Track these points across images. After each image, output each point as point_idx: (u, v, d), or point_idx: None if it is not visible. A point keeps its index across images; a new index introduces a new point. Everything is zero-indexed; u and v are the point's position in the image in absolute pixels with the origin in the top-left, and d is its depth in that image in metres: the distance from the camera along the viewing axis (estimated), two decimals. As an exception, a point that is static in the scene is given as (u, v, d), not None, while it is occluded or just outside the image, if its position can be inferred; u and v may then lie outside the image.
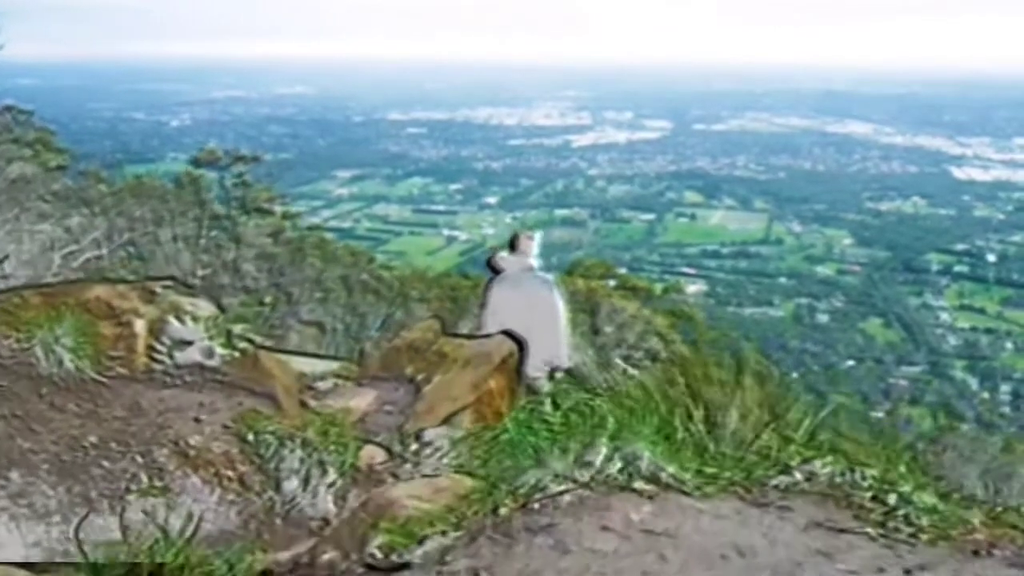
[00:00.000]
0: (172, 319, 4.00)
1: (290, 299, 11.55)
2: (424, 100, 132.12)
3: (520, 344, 4.47)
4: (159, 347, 3.90)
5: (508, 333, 4.51)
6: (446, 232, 73.28)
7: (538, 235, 4.88)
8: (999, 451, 11.12)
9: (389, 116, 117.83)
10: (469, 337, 4.83)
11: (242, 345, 4.10)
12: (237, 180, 12.25)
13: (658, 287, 17.64)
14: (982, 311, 54.26)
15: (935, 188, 79.77)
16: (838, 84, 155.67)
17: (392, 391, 4.07)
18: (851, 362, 47.30)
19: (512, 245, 4.63)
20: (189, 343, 3.94)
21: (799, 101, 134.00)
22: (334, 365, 4.88)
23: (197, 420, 3.47)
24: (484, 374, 3.54)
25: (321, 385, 4.24)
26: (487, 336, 4.54)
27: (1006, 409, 40.82)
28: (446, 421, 3.38)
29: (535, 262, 4.68)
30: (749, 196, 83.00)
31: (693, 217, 78.24)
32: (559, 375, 4.52)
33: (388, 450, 3.51)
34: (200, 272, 10.92)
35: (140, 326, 3.89)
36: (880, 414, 31.58)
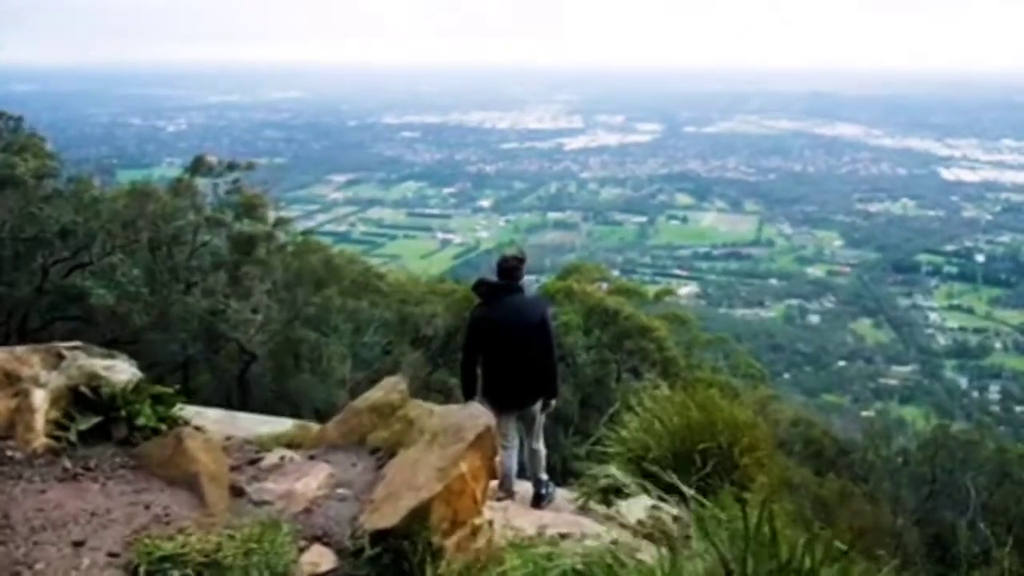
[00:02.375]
0: (83, 388, 3.19)
1: (284, 304, 11.52)
2: (418, 104, 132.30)
3: (505, 399, 4.00)
4: (65, 423, 3.12)
5: (493, 389, 4.02)
6: (440, 235, 73.25)
7: (527, 253, 4.23)
8: (992, 452, 11.18)
9: (383, 120, 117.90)
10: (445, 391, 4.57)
11: (171, 412, 3.30)
12: (231, 187, 12.22)
13: (651, 290, 17.71)
14: (971, 311, 54.71)
15: (924, 189, 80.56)
16: (827, 86, 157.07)
17: (349, 466, 3.38)
18: (842, 362, 47.51)
19: (500, 268, 4.05)
20: (101, 417, 3.16)
21: (789, 103, 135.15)
22: (286, 426, 4.11)
23: (77, 545, 2.58)
24: (454, 455, 2.94)
25: (265, 460, 3.45)
26: (465, 395, 4.09)
27: (996, 408, 41.11)
28: (409, 517, 2.75)
29: (525, 284, 4.14)
30: (740, 198, 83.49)
31: (684, 219, 78.55)
32: (554, 403, 4.13)
33: (338, 551, 2.79)
34: (193, 279, 10.87)
35: (40, 398, 3.12)
36: (871, 413, 31.79)
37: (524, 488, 4.18)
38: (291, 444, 3.71)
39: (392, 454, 3.30)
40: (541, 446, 4.11)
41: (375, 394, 3.70)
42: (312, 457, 3.48)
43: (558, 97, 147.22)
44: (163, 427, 3.23)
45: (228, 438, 3.78)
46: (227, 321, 10.00)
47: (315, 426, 4.09)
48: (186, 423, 3.38)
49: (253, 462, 3.44)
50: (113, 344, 12.36)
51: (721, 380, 13.50)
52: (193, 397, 12.38)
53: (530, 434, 4.08)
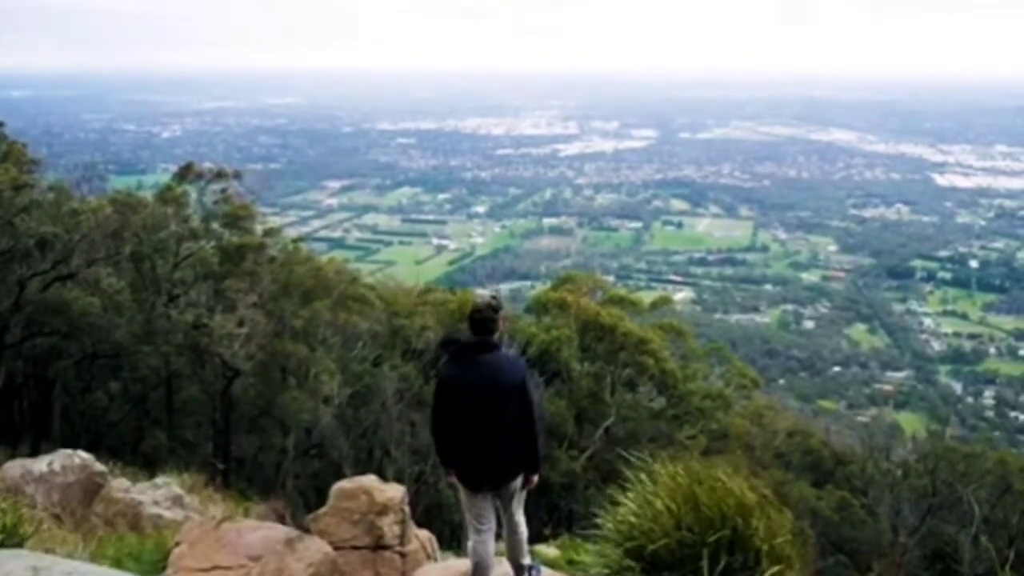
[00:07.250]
0: None
1: (271, 317, 11.26)
2: (413, 110, 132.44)
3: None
4: None
5: (466, 466, 3.36)
6: (435, 241, 73.09)
7: (504, 301, 3.48)
8: (993, 464, 11.01)
9: (378, 126, 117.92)
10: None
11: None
12: (219, 195, 11.97)
13: (646, 297, 17.54)
14: (965, 316, 54.83)
15: (918, 195, 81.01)
16: (821, 92, 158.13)
17: None
18: (837, 368, 47.45)
19: (472, 320, 3.35)
20: None
21: (783, 109, 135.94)
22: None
23: None
24: None
25: None
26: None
27: (990, 413, 41.12)
28: None
29: (502, 338, 3.46)
30: (734, 204, 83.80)
31: (679, 225, 78.75)
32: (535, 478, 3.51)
33: None
34: (176, 291, 10.61)
35: None
36: (866, 419, 31.67)
37: (502, 572, 3.59)
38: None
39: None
40: (522, 525, 3.56)
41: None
42: None
43: (553, 103, 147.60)
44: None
45: None
46: (210, 335, 9.74)
47: None
48: None
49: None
50: (95, 357, 12.12)
51: (716, 391, 13.32)
52: (177, 413, 12.11)
53: (507, 512, 3.50)
